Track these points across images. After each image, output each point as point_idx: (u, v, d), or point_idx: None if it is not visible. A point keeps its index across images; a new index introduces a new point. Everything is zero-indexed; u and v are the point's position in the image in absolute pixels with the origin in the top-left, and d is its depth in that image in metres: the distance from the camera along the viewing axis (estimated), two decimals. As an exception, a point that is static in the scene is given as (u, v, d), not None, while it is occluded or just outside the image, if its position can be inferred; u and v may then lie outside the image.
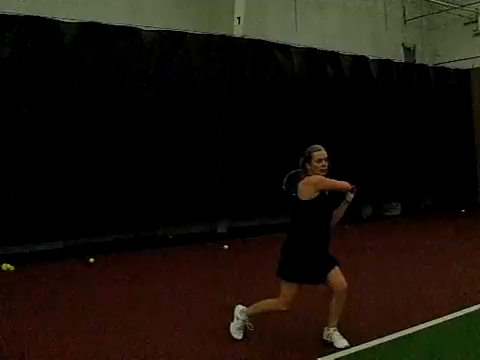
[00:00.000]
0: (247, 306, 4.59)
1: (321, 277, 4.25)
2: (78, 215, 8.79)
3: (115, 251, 8.90)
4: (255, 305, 4.53)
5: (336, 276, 4.25)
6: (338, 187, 4.31)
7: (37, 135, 8.49)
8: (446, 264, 7.64)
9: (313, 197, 4.21)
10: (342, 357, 4.10)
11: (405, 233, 11.21)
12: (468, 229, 11.26)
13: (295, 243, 4.29)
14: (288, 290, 4.23)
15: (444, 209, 14.28)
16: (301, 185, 4.29)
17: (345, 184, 4.32)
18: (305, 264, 4.21)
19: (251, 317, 4.54)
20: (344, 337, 4.27)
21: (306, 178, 4.30)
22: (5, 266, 7.63)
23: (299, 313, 5.06)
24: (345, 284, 4.26)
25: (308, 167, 4.32)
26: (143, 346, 4.46)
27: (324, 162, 4.28)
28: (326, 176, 4.32)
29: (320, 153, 4.30)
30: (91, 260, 8.14)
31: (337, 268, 4.29)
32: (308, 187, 4.23)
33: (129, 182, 9.30)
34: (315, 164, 4.27)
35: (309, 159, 4.31)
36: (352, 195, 4.38)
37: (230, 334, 4.55)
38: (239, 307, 4.60)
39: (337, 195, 4.46)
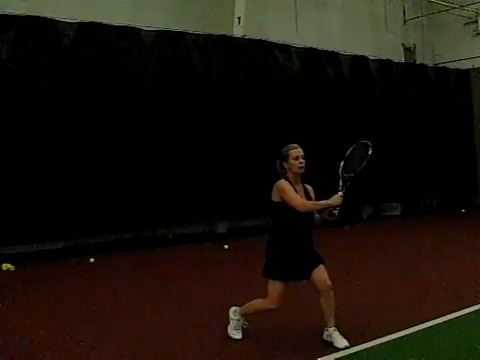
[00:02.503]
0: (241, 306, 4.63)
1: (303, 274, 4.30)
2: (78, 215, 8.79)
3: (115, 251, 8.90)
4: (247, 305, 4.57)
5: (319, 274, 4.27)
6: (293, 204, 4.19)
7: (37, 135, 8.49)
8: (446, 264, 7.64)
9: (278, 200, 4.29)
10: (342, 357, 4.10)
11: (405, 233, 11.21)
12: (468, 229, 11.25)
13: (272, 242, 4.39)
14: (273, 288, 4.28)
15: (444, 209, 14.27)
16: (274, 187, 4.35)
17: (307, 206, 4.21)
18: (284, 262, 4.27)
19: (245, 316, 4.59)
20: (344, 337, 4.27)
21: (277, 182, 4.34)
22: (5, 266, 7.63)
23: (299, 313, 5.06)
24: (328, 282, 4.26)
25: (285, 166, 4.37)
26: (142, 346, 4.47)
27: (301, 159, 4.33)
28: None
29: (296, 151, 4.35)
30: (91, 260, 8.15)
31: (321, 267, 4.32)
32: (274, 191, 4.32)
33: (129, 182, 9.31)
34: (292, 162, 4.32)
35: (286, 158, 4.35)
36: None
37: (230, 335, 4.57)
38: (232, 308, 4.65)
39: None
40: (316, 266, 4.29)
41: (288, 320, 4.98)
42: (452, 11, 14.88)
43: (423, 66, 14.59)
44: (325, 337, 4.36)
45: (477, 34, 14.84)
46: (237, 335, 4.55)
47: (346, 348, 4.20)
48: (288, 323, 4.93)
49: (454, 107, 14.64)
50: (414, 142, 13.67)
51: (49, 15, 8.74)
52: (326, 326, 4.35)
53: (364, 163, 4.38)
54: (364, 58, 12.95)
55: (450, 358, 4.11)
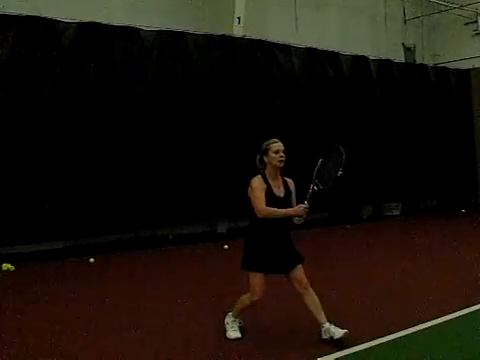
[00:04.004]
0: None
1: (281, 268, 4.40)
2: (78, 215, 8.78)
3: (115, 251, 8.90)
4: (235, 306, 4.64)
5: (296, 274, 4.39)
6: (255, 207, 4.32)
7: (37, 135, 8.48)
8: (446, 264, 7.64)
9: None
10: (342, 357, 4.10)
11: (405, 233, 11.21)
12: (468, 229, 11.26)
13: (249, 236, 4.54)
14: (254, 281, 4.38)
15: (444, 209, 14.28)
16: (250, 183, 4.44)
17: (265, 212, 4.29)
18: (261, 255, 4.38)
19: (237, 317, 4.64)
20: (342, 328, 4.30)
21: (252, 179, 4.41)
22: (5, 266, 7.63)
23: (299, 313, 5.05)
24: (305, 280, 4.37)
25: (266, 160, 4.43)
26: (143, 345, 4.46)
27: (282, 153, 4.39)
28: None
29: (277, 145, 4.42)
30: (91, 260, 8.15)
31: (299, 266, 4.41)
32: (249, 187, 4.41)
33: (129, 182, 9.30)
34: (273, 155, 4.38)
35: (267, 151, 4.41)
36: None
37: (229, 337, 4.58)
38: (226, 316, 4.72)
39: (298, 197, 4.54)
40: (295, 262, 4.40)
41: (288, 320, 4.98)
42: (452, 11, 14.88)
43: (423, 66, 14.58)
44: (324, 335, 4.37)
45: (477, 34, 14.84)
46: (235, 334, 4.56)
47: (346, 335, 4.22)
48: (288, 323, 4.94)
49: (454, 107, 14.63)
50: (414, 142, 13.66)
51: (49, 15, 8.73)
52: (320, 324, 4.37)
53: (332, 183, 4.44)
54: (364, 58, 12.94)
55: (450, 358, 4.11)
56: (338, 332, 4.26)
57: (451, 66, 14.88)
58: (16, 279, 7.17)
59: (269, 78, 11.16)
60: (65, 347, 4.45)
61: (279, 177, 4.47)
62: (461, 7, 14.67)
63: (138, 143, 9.44)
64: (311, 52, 11.98)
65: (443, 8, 14.85)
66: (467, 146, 14.85)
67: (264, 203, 4.29)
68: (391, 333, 4.53)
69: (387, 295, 5.92)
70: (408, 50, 15.23)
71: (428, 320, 4.86)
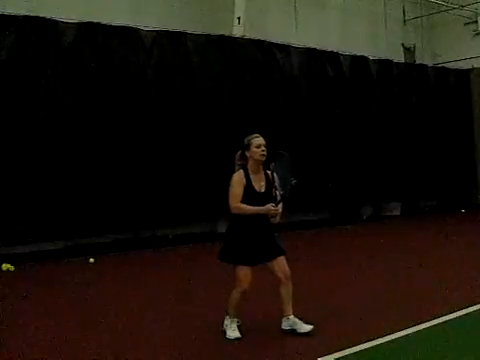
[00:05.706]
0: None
1: (263, 258, 4.45)
2: (78, 215, 8.79)
3: (115, 251, 8.90)
4: (229, 305, 4.63)
5: (279, 264, 4.46)
6: (229, 202, 4.41)
7: (37, 135, 8.49)
8: (446, 264, 7.63)
9: None
10: (342, 357, 4.10)
11: (405, 233, 11.21)
12: (468, 229, 11.26)
13: (230, 229, 4.56)
14: (240, 273, 4.43)
15: (444, 209, 14.28)
16: None
17: (237, 209, 4.38)
18: (243, 248, 4.41)
19: (234, 316, 4.64)
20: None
21: (233, 175, 4.47)
22: (5, 266, 7.63)
23: (299, 313, 5.05)
24: (288, 272, 4.46)
25: (247, 154, 4.50)
26: (142, 345, 4.46)
27: (263, 147, 4.46)
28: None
29: (258, 139, 4.50)
30: (91, 260, 8.15)
31: (282, 257, 4.49)
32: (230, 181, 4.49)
33: (129, 182, 9.30)
34: (255, 149, 4.45)
35: (248, 146, 4.48)
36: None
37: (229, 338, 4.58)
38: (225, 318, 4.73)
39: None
40: (276, 253, 4.47)
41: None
42: (452, 11, 14.89)
43: (423, 66, 14.60)
44: (286, 327, 4.48)
45: (477, 34, 14.87)
46: (235, 334, 4.54)
47: (312, 331, 4.35)
48: (288, 323, 4.93)
49: (454, 107, 14.64)
50: (414, 142, 13.68)
51: (49, 15, 8.74)
52: (285, 315, 4.48)
53: (289, 191, 4.46)
54: (364, 58, 12.96)
55: (450, 358, 4.11)
56: (305, 327, 4.42)
57: (451, 66, 14.90)
58: (16, 279, 7.17)
59: (269, 78, 11.17)
60: (63, 347, 4.45)
61: (261, 171, 4.53)
62: (461, 7, 14.68)
63: (138, 143, 9.44)
64: (311, 52, 11.99)
65: (443, 8, 14.87)
66: (467, 146, 14.87)
67: (238, 199, 4.38)
68: (391, 333, 4.53)
69: (387, 295, 5.92)
70: (408, 50, 15.24)
71: (428, 320, 4.85)
